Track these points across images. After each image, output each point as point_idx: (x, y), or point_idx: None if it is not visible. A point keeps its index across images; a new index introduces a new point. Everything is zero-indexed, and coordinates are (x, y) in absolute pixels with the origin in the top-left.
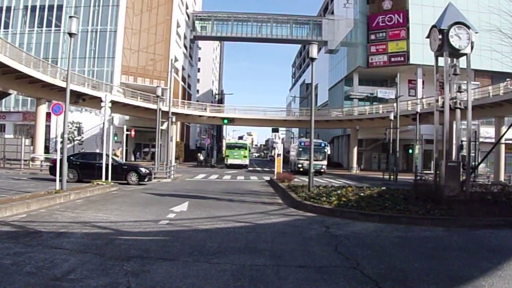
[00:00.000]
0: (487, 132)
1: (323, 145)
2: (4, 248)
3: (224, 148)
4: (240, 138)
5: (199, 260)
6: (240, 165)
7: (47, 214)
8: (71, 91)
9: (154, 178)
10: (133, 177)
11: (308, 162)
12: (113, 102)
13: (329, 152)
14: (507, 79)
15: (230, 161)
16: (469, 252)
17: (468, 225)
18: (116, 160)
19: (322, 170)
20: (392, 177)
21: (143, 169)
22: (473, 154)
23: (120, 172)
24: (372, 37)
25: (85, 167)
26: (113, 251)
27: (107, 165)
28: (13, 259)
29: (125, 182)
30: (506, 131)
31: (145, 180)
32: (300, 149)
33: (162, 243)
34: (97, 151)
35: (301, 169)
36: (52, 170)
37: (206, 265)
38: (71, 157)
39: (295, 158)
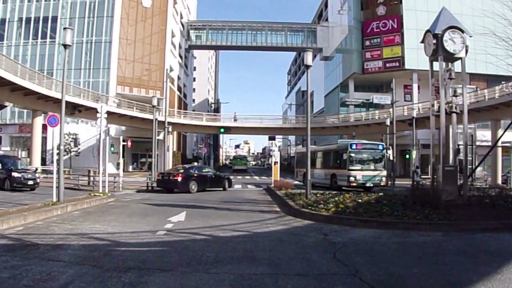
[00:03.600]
0: (484, 135)
1: (381, 147)
2: (1, 261)
3: (221, 158)
4: (237, 146)
5: (197, 270)
6: (242, 170)
7: (44, 226)
8: (67, 102)
9: (152, 188)
10: (226, 184)
11: (365, 173)
12: (109, 113)
13: (391, 157)
14: (503, 82)
15: (236, 167)
16: (468, 256)
17: (466, 229)
18: (213, 171)
19: (382, 184)
20: (389, 182)
21: (232, 177)
22: (470, 158)
23: (220, 181)
24: (367, 43)
25: (201, 179)
26: (110, 262)
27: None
28: (10, 272)
29: (221, 188)
30: (503, 134)
31: (232, 185)
32: (352, 155)
33: (160, 253)
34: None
35: (353, 184)
36: (183, 185)
37: (204, 275)
38: (191, 170)
39: (347, 168)
